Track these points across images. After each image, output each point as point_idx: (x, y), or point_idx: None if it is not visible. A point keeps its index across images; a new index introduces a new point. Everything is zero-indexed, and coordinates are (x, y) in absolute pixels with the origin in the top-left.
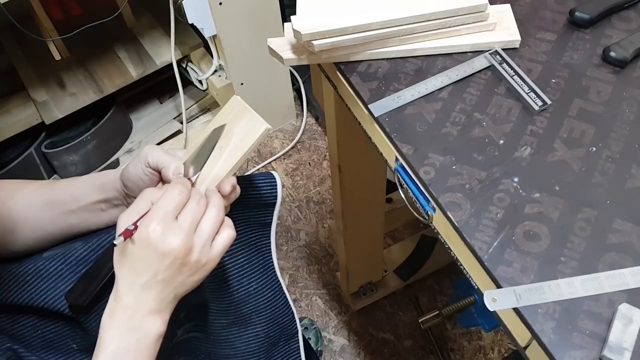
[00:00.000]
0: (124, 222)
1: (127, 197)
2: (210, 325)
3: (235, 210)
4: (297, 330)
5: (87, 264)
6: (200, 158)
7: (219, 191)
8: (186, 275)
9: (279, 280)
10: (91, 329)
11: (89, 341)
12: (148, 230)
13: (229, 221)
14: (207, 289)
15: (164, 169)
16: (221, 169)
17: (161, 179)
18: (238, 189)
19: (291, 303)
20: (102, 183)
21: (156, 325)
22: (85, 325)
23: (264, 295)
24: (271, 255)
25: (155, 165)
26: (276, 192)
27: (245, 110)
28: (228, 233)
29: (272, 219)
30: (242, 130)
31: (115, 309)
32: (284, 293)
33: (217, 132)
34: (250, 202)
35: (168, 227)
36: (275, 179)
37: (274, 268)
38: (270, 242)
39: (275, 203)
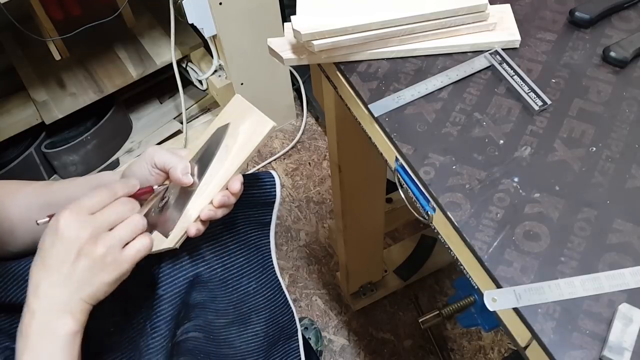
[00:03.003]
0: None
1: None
2: (210, 325)
3: (235, 210)
4: (297, 330)
5: None
6: (206, 157)
7: (227, 189)
8: (92, 272)
9: (278, 280)
10: (88, 328)
11: (86, 339)
12: (58, 218)
13: (148, 234)
14: (206, 288)
15: (171, 169)
16: (230, 167)
17: (167, 178)
18: (242, 187)
19: (291, 303)
20: (100, 185)
21: (66, 325)
22: None
23: (263, 295)
24: (270, 254)
25: (162, 166)
26: (275, 191)
27: (249, 109)
28: (141, 241)
29: (271, 218)
30: (248, 129)
31: (24, 315)
32: (284, 292)
33: (222, 131)
34: (249, 201)
35: (77, 218)
36: (274, 178)
37: (273, 267)
38: (269, 242)
39: (274, 202)
